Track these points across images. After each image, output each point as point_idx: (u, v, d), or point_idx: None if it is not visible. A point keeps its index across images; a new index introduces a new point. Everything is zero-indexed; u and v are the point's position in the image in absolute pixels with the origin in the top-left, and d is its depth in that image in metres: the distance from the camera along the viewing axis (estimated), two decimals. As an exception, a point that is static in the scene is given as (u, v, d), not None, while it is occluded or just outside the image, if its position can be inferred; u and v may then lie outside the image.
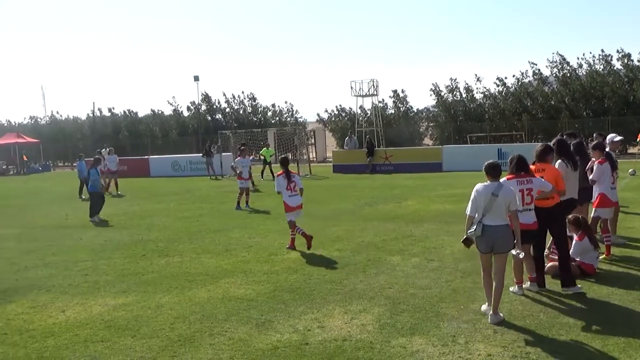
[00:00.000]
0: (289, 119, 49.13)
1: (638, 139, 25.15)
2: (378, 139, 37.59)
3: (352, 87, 37.13)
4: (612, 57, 37.01)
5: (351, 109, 45.74)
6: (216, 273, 9.58)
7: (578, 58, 40.39)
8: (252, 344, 6.34)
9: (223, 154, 32.72)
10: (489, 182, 6.85)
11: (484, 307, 7.01)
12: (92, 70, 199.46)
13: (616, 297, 7.41)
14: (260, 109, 50.29)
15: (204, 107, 50.90)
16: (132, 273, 9.91)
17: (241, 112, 50.30)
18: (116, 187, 24.38)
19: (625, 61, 36.36)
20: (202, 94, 51.18)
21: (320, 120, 47.57)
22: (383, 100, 44.96)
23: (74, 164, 47.80)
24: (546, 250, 8.80)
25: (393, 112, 45.33)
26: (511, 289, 7.68)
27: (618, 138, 11.97)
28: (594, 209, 9.74)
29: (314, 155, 41.83)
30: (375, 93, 37.54)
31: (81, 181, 23.93)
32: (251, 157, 22.98)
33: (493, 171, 6.86)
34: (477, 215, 6.78)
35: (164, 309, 7.74)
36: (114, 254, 11.64)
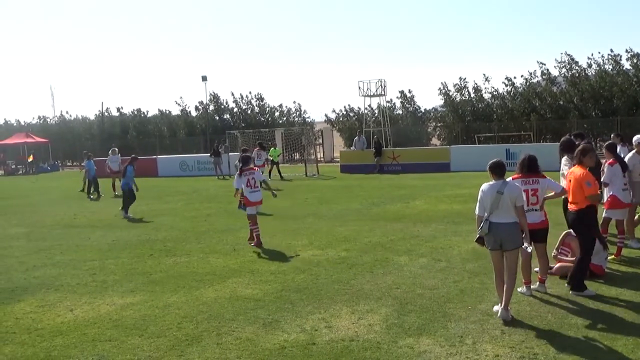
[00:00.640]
0: (296, 119, 49.13)
1: None
2: (386, 139, 37.52)
3: (359, 87, 37.07)
4: (621, 56, 36.79)
5: (359, 109, 45.73)
6: (223, 273, 9.60)
7: (587, 58, 40.18)
8: (259, 344, 6.34)
9: (231, 153, 32.76)
10: (493, 181, 6.86)
11: (496, 307, 6.98)
12: (100, 70, 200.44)
13: (625, 297, 7.37)
14: (268, 109, 50.32)
15: (212, 107, 50.98)
16: (140, 272, 9.94)
17: (249, 112, 50.34)
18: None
19: (635, 61, 36.12)
20: (210, 94, 51.29)
21: (328, 120, 47.54)
22: (391, 100, 44.92)
23: (82, 164, 48.15)
24: (554, 250, 8.77)
25: (401, 112, 45.26)
26: (519, 289, 7.66)
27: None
28: (605, 210, 9.68)
29: (322, 155, 41.83)
30: (383, 93, 37.47)
31: (89, 181, 24.03)
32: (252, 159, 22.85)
33: (497, 170, 6.91)
34: (485, 214, 6.80)
35: (172, 309, 7.76)
36: (121, 253, 11.67)
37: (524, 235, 6.85)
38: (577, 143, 9.32)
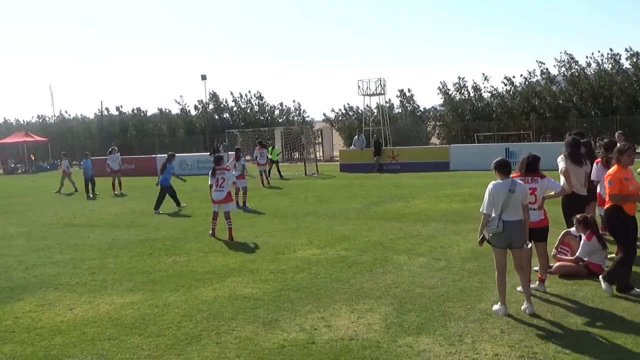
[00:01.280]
0: (296, 118, 49.15)
1: None
2: (385, 138, 37.53)
3: (359, 87, 37.09)
4: (620, 56, 36.80)
5: (358, 108, 45.75)
6: (223, 272, 9.60)
7: (587, 57, 40.12)
8: (259, 343, 6.35)
9: (230, 152, 32.73)
10: (499, 179, 6.86)
11: (495, 306, 7.00)
12: (100, 69, 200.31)
13: (624, 297, 7.37)
14: (267, 108, 50.32)
15: (211, 106, 50.98)
16: (140, 272, 9.94)
17: (248, 111, 50.33)
18: (120, 186, 24.40)
19: (634, 60, 36.13)
20: (210, 93, 51.37)
21: (328, 119, 47.55)
22: (390, 99, 44.96)
23: (81, 163, 48.06)
24: (553, 250, 8.78)
25: (400, 111, 45.27)
26: (518, 288, 7.65)
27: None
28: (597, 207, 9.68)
29: (321, 155, 41.84)
30: (382, 92, 37.49)
31: (86, 180, 23.98)
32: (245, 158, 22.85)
33: (504, 168, 6.92)
34: (493, 213, 6.82)
35: (171, 308, 7.76)
36: (121, 252, 11.67)
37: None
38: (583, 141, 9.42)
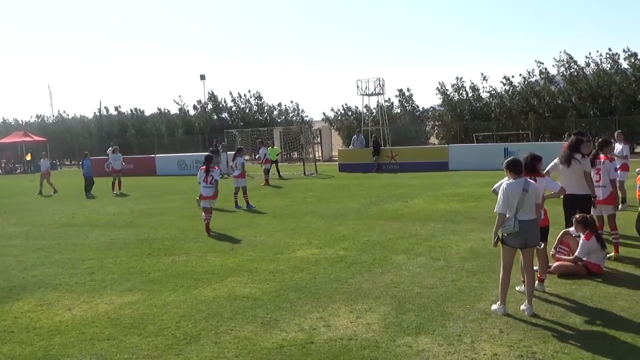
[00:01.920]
0: (295, 118, 49.15)
1: None
2: (384, 138, 37.54)
3: (358, 86, 37.10)
4: (619, 55, 36.85)
5: (357, 107, 45.76)
6: (222, 272, 9.60)
7: (585, 57, 40.19)
8: (258, 343, 6.34)
9: (229, 152, 32.73)
10: (511, 179, 6.86)
11: (494, 306, 7.00)
12: (99, 69, 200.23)
13: (623, 296, 7.38)
14: (266, 108, 50.32)
15: (210, 106, 50.97)
16: (138, 271, 9.93)
17: (247, 111, 50.34)
18: (119, 186, 24.41)
19: (632, 60, 36.17)
20: (209, 92, 51.29)
21: (326, 119, 47.56)
22: (389, 99, 44.97)
23: (80, 163, 48.09)
24: (552, 249, 8.78)
25: (399, 111, 45.28)
26: (517, 287, 7.67)
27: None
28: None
29: (320, 154, 41.85)
30: (381, 92, 37.50)
31: (86, 179, 24.04)
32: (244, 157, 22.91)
33: (516, 167, 6.94)
34: (508, 212, 6.81)
35: (170, 308, 7.76)
36: (120, 252, 11.67)
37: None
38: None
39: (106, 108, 58.57)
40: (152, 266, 10.29)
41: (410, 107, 44.74)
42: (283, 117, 49.60)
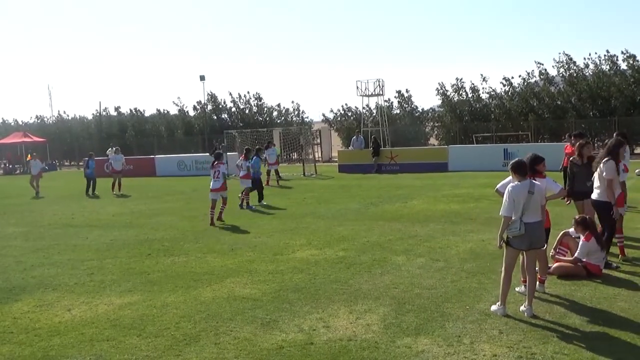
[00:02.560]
0: (294, 119, 49.12)
1: None
2: (383, 138, 37.54)
3: (357, 87, 37.07)
4: (617, 57, 36.89)
5: (357, 108, 45.72)
6: (221, 272, 9.59)
7: (584, 58, 40.19)
8: (257, 344, 6.34)
9: (228, 153, 32.73)
10: (517, 181, 6.85)
11: (493, 307, 7.00)
12: (98, 70, 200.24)
13: (622, 297, 7.38)
14: (266, 109, 50.29)
15: (209, 107, 50.94)
16: (138, 272, 9.93)
17: (247, 111, 50.30)
18: (119, 187, 24.40)
19: (631, 62, 36.20)
20: (208, 93, 51.22)
21: (326, 120, 47.53)
22: (389, 99, 44.94)
23: (80, 163, 48.10)
24: (552, 250, 8.78)
25: (399, 112, 45.26)
26: (517, 288, 7.67)
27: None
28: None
29: (320, 155, 41.81)
30: (381, 93, 37.47)
31: (88, 180, 24.15)
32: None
33: (521, 169, 6.92)
34: (513, 215, 6.79)
35: (170, 308, 7.75)
36: (119, 253, 11.66)
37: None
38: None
39: (106, 109, 58.57)
40: (151, 267, 10.29)
41: (409, 107, 44.71)
42: (283, 118, 49.58)
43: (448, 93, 42.04)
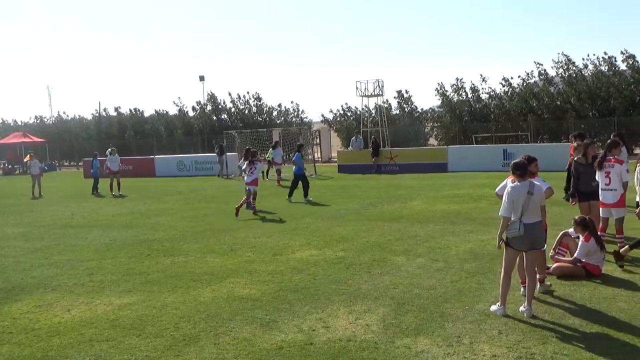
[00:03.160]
0: (294, 119, 49.11)
1: None
2: (383, 139, 37.54)
3: (357, 88, 37.08)
4: (615, 58, 36.95)
5: (356, 109, 45.70)
6: (221, 273, 9.59)
7: (583, 59, 40.17)
8: (257, 344, 6.34)
9: (228, 153, 32.73)
10: (516, 181, 6.85)
11: (493, 307, 7.00)
12: (98, 70, 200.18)
13: (622, 298, 7.38)
14: (265, 109, 50.27)
15: (209, 107, 50.92)
16: (137, 272, 9.92)
17: (246, 112, 50.28)
18: (118, 187, 24.39)
19: (630, 62, 36.21)
20: (208, 94, 51.19)
21: (326, 120, 47.52)
22: (387, 100, 44.94)
23: (80, 164, 48.02)
24: (551, 251, 8.78)
25: (398, 112, 45.25)
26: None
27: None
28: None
29: (319, 155, 41.82)
30: (380, 93, 37.48)
31: (95, 179, 24.42)
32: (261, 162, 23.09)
33: (521, 169, 6.91)
34: (512, 215, 6.80)
35: (169, 309, 7.75)
36: (119, 253, 11.66)
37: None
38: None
39: (105, 109, 58.56)
40: (151, 267, 10.28)
41: (409, 108, 44.70)
42: (282, 118, 49.57)
43: (447, 93, 42.04)
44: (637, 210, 9.52)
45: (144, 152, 46.57)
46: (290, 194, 18.97)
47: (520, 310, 6.96)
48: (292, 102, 75.82)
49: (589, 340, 6.07)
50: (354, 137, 33.48)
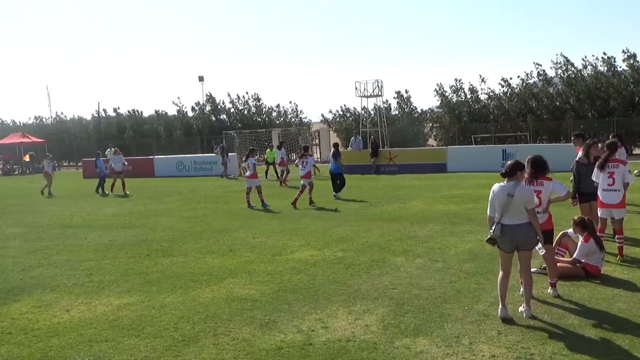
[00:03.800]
0: (293, 120, 49.19)
1: None
2: (382, 139, 37.56)
3: (356, 88, 37.15)
4: (615, 59, 37.00)
5: (355, 109, 45.75)
6: (220, 273, 9.59)
7: (582, 59, 40.26)
8: (256, 344, 6.34)
9: (230, 154, 32.73)
10: (504, 182, 6.84)
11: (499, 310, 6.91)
12: (97, 70, 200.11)
13: (621, 298, 7.38)
14: (264, 110, 50.33)
15: (208, 108, 50.95)
16: (137, 273, 9.92)
17: (246, 112, 50.35)
18: (123, 187, 24.40)
19: (631, 62, 36.24)
20: (207, 94, 51.29)
21: (325, 120, 47.56)
22: (387, 100, 44.97)
23: (79, 164, 48.01)
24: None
25: (397, 112, 45.30)
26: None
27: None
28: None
29: (319, 156, 41.85)
30: (380, 94, 37.54)
31: (101, 178, 24.47)
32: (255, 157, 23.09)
33: (510, 171, 6.87)
34: (496, 215, 6.83)
35: (168, 309, 7.75)
36: (118, 253, 11.65)
37: (537, 237, 6.86)
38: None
39: (105, 110, 58.57)
40: (150, 267, 10.28)
41: (408, 108, 44.75)
42: (282, 119, 49.62)
43: (447, 94, 42.11)
44: None
45: (143, 153, 46.60)
46: (337, 190, 19.50)
47: (519, 310, 6.96)
48: (291, 103, 76.11)
49: (588, 341, 6.07)
50: (353, 138, 33.50)
